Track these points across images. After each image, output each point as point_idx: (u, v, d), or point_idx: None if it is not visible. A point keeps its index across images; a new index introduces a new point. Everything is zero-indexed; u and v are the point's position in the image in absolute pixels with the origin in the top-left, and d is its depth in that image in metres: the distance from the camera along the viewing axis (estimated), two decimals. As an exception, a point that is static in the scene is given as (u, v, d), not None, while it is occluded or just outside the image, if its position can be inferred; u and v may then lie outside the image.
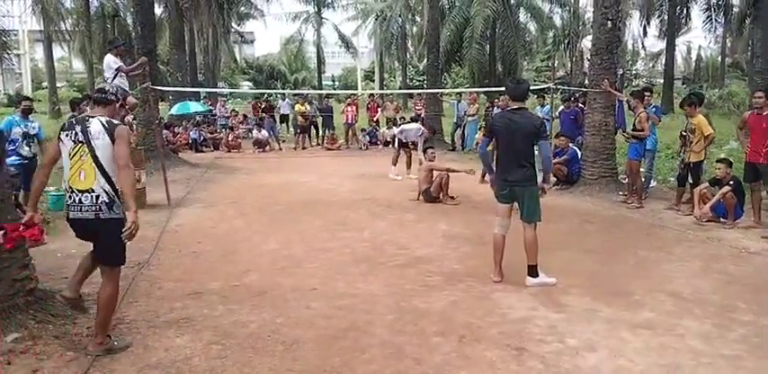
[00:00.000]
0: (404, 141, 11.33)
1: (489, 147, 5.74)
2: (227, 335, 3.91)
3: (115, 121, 3.64)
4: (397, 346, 3.77)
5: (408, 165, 11.39)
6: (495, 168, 5.37)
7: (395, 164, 11.39)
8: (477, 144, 13.56)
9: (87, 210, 3.50)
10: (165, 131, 15.28)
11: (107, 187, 3.50)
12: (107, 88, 3.72)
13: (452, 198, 8.84)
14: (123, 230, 3.41)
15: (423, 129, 11.25)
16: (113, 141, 3.51)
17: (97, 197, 3.48)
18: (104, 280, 3.67)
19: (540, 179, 5.11)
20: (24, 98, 8.54)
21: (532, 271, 4.98)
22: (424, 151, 9.52)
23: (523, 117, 4.95)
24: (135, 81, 10.01)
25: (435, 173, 8.95)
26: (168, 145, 14.67)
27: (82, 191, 3.50)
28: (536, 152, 5.04)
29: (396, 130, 12.13)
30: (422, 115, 18.00)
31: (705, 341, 3.90)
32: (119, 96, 3.72)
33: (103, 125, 3.54)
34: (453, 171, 8.97)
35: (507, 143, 4.99)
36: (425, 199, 8.88)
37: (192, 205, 8.68)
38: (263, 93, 29.52)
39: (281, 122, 20.54)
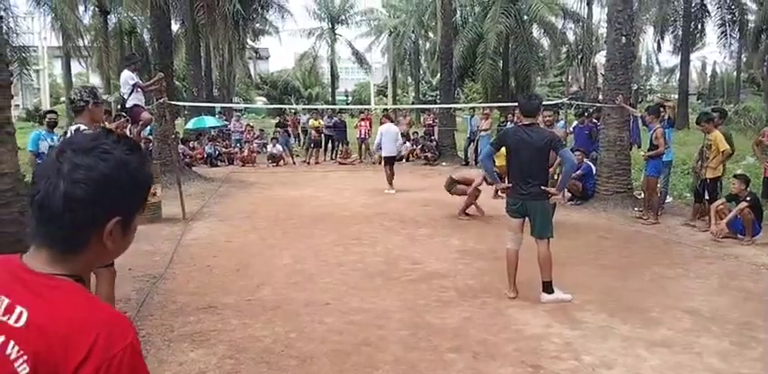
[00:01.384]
0: (389, 156, 11.50)
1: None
2: (241, 350, 3.91)
3: (84, 128, 3.80)
4: (410, 362, 3.75)
5: (390, 181, 11.47)
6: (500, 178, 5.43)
7: (390, 184, 11.51)
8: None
9: None
10: (180, 146, 15.42)
11: None
12: (72, 97, 3.99)
13: (467, 215, 8.82)
14: None
15: (400, 137, 11.81)
16: None
17: None
18: (98, 280, 3.70)
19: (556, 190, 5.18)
20: (49, 111, 8.48)
21: (547, 288, 4.94)
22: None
23: (535, 132, 4.97)
24: (151, 96, 10.15)
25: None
26: (184, 159, 14.80)
27: None
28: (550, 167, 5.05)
29: (377, 139, 12.00)
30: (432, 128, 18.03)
31: (723, 359, 3.84)
32: (86, 98, 3.92)
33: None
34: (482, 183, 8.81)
35: (519, 158, 5.00)
36: (447, 186, 9.12)
37: (207, 219, 8.74)
38: (284, 109, 29.87)
39: (306, 136, 20.68)
